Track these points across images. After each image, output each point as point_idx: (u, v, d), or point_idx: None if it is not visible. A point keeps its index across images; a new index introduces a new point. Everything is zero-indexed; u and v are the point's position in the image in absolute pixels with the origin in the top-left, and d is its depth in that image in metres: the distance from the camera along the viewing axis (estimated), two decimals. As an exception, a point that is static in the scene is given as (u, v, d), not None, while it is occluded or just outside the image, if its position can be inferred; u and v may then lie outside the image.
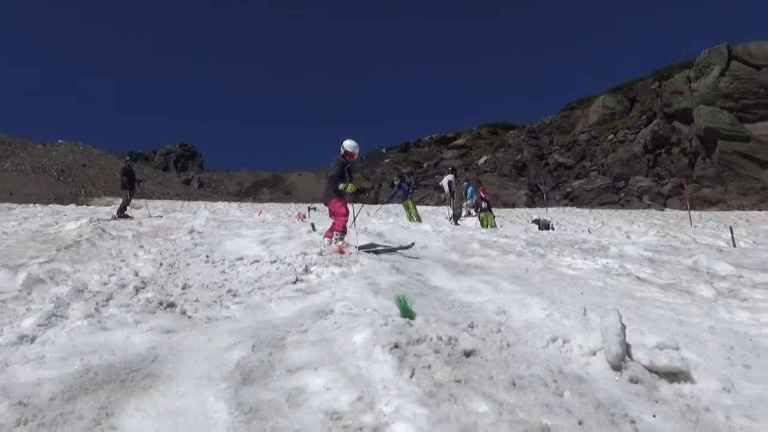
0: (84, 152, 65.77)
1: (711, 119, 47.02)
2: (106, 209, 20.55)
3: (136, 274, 6.35)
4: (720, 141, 46.44)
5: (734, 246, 14.47)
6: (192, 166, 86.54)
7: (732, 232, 17.42)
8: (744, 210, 37.08)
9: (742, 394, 3.22)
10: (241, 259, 7.32)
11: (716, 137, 46.61)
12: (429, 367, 3.28)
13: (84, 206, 25.56)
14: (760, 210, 36.82)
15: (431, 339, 3.70)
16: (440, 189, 19.51)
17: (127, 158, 21.73)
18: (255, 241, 8.95)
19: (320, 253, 7.31)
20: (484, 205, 19.76)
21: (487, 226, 18.56)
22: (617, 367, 3.38)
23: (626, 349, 3.50)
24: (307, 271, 6.45)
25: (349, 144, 8.21)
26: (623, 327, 3.56)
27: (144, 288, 5.68)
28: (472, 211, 21.56)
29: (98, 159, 64.89)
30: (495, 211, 20.99)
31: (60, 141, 69.26)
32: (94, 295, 5.26)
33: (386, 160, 74.54)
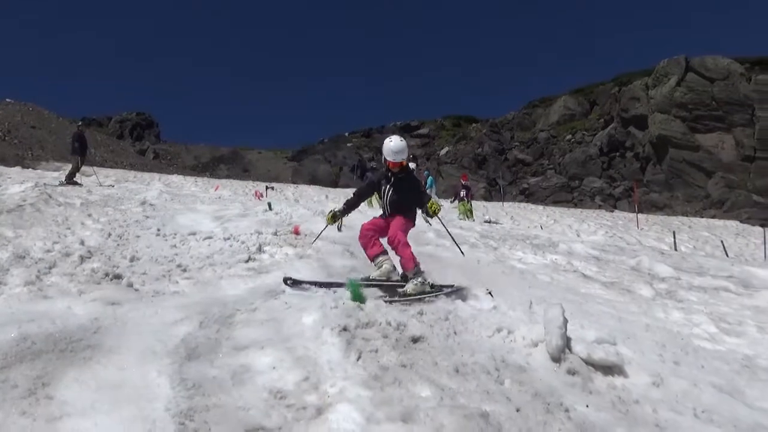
0: (34, 113, 62.59)
1: (664, 127, 48.81)
2: (54, 174, 19.65)
3: (83, 243, 6.14)
4: (671, 149, 48.30)
5: (676, 250, 15.16)
6: (148, 136, 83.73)
7: (675, 237, 18.23)
8: (688, 216, 38.87)
9: (670, 388, 3.40)
10: (193, 234, 7.18)
11: (668, 145, 48.45)
12: (376, 351, 3.33)
13: (30, 170, 24.37)
14: (702, 217, 38.68)
15: (380, 324, 3.74)
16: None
17: (80, 123, 20.85)
18: (209, 217, 8.79)
19: (275, 233, 7.25)
20: (463, 192, 19.47)
21: (465, 217, 18.53)
22: (557, 359, 3.51)
23: (567, 342, 3.64)
24: (260, 250, 6.39)
25: (387, 148, 5.30)
26: (565, 321, 3.70)
27: (90, 258, 5.51)
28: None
29: (48, 121, 61.92)
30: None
31: (8, 100, 65.72)
32: (36, 263, 5.06)
33: (348, 145, 74.16)
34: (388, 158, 5.31)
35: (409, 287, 4.86)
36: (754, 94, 47.32)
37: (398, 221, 5.23)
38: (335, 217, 5.70)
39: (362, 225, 5.47)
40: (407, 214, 5.37)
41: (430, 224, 5.45)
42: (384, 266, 5.17)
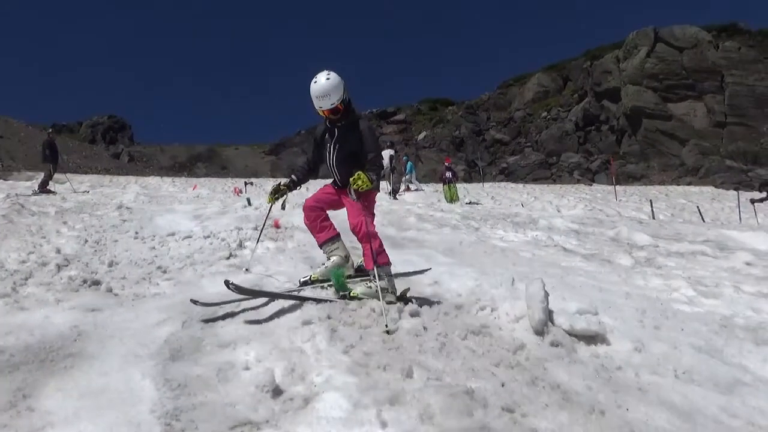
0: (1, 123, 61.14)
1: (637, 98, 49.37)
2: (27, 184, 19.24)
3: (59, 252, 6.04)
4: (644, 119, 48.92)
5: (654, 218, 15.41)
6: (121, 139, 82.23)
7: (652, 206, 18.50)
8: (664, 185, 39.47)
9: (651, 353, 3.47)
10: (172, 234, 7.11)
11: (641, 116, 49.05)
12: (360, 338, 3.34)
13: (1, 181, 23.87)
14: (679, 185, 39.32)
15: (364, 310, 3.75)
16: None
17: (50, 130, 20.42)
18: (188, 216, 8.71)
19: (255, 228, 7.21)
20: (449, 174, 19.48)
21: (451, 200, 18.58)
22: (540, 332, 3.56)
23: (549, 315, 3.68)
24: (241, 246, 6.36)
25: (311, 93, 4.09)
26: (546, 295, 3.74)
27: (67, 266, 5.42)
28: (411, 186, 21.71)
29: (17, 131, 60.44)
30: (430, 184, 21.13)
31: (-28, 111, 63.94)
32: (12, 274, 4.96)
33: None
34: (315, 106, 4.08)
35: (359, 289, 4.06)
36: (723, 60, 48.07)
37: (367, 204, 4.18)
38: (278, 193, 4.60)
39: (305, 201, 4.41)
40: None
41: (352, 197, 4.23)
42: (333, 259, 4.31)
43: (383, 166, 4.24)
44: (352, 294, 4.05)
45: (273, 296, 4.09)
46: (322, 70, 4.10)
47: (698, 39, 49.93)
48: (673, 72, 49.01)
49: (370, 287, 4.00)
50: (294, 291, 4.29)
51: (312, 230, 4.38)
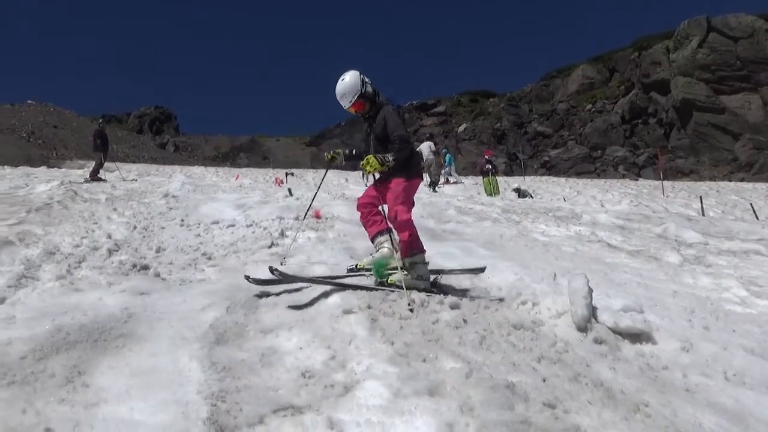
0: (55, 114, 63.73)
1: (687, 90, 47.49)
2: (79, 172, 20.05)
3: (110, 237, 6.27)
4: (695, 112, 47.04)
5: (703, 215, 14.86)
6: (167, 130, 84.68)
7: (702, 202, 17.84)
8: (715, 181, 37.94)
9: (700, 353, 3.36)
10: (216, 222, 7.29)
11: (692, 108, 47.18)
12: (401, 328, 3.35)
13: (55, 169, 24.92)
14: (731, 181, 37.74)
15: (405, 301, 3.76)
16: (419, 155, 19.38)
17: (101, 120, 21.22)
18: (231, 205, 8.89)
19: (296, 218, 7.31)
20: (488, 167, 19.33)
21: (491, 193, 18.42)
22: (583, 329, 3.50)
23: (592, 311, 3.61)
24: (282, 235, 6.46)
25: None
26: (590, 290, 3.67)
27: (117, 250, 5.63)
28: (450, 179, 21.58)
29: (70, 121, 63.02)
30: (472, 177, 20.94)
31: (29, 102, 66.89)
32: (66, 257, 5.19)
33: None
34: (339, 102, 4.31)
35: (394, 276, 4.09)
36: (781, 50, 45.72)
37: (394, 187, 4.20)
38: (335, 159, 4.63)
39: (357, 200, 4.59)
40: (401, 170, 4.19)
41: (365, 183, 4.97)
42: (382, 250, 4.32)
43: (410, 142, 4.28)
44: (389, 281, 4.11)
45: (314, 282, 4.17)
46: (348, 70, 4.29)
47: (754, 28, 47.54)
48: (726, 63, 46.88)
49: (406, 275, 4.07)
50: (336, 278, 4.36)
51: (365, 225, 4.50)
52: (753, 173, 41.05)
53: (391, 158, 4.07)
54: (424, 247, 4.27)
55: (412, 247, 4.11)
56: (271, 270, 4.01)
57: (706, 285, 5.39)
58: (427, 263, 4.29)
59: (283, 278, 4.06)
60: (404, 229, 4.09)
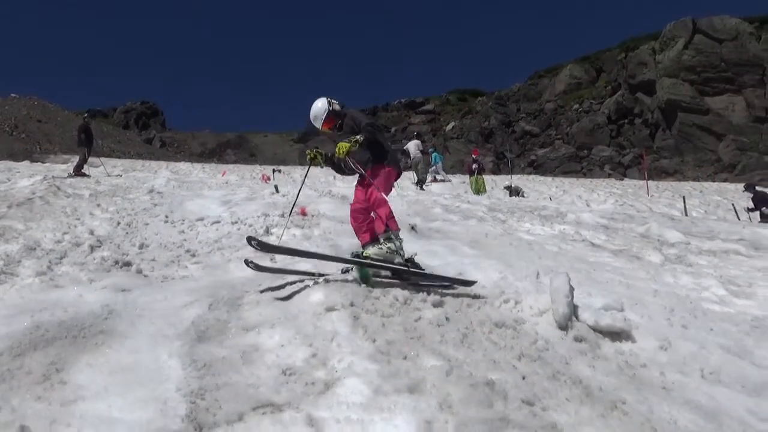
0: (39, 107, 62.77)
1: (673, 91, 47.98)
2: (63, 167, 19.78)
3: (92, 233, 6.21)
4: (680, 113, 47.52)
5: (686, 215, 15.05)
6: (154, 125, 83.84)
7: (685, 202, 18.07)
8: (699, 181, 38.41)
9: (678, 352, 3.41)
10: (201, 219, 7.24)
11: (677, 109, 47.67)
12: (383, 325, 3.36)
13: (39, 163, 24.57)
14: (714, 181, 38.23)
15: (387, 299, 3.77)
16: (406, 154, 19.39)
17: (86, 115, 20.88)
18: (217, 202, 8.83)
19: (282, 215, 7.29)
20: (474, 166, 19.48)
21: (478, 192, 18.54)
22: (564, 327, 3.53)
23: (573, 310, 3.65)
24: (268, 232, 6.44)
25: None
26: (572, 289, 3.70)
27: (99, 247, 5.58)
28: (437, 177, 21.61)
29: (54, 115, 62.10)
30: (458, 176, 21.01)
31: (13, 95, 65.81)
32: (47, 253, 5.14)
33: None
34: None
35: (371, 250, 4.35)
36: (765, 53, 46.26)
37: (375, 178, 4.53)
38: (316, 159, 4.81)
39: (351, 206, 4.82)
40: (375, 162, 4.58)
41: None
42: (389, 245, 4.45)
43: (376, 126, 4.74)
44: (364, 254, 4.33)
45: (297, 254, 4.47)
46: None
47: (739, 30, 48.14)
48: (711, 64, 47.42)
49: (381, 248, 4.37)
50: (320, 256, 4.58)
51: (357, 231, 4.72)
52: (736, 174, 41.56)
53: (359, 137, 4.40)
54: (409, 243, 4.52)
55: (389, 226, 4.41)
56: (249, 241, 4.16)
57: (687, 284, 5.46)
58: (401, 240, 4.52)
59: (264, 249, 4.35)
60: (381, 205, 4.44)
